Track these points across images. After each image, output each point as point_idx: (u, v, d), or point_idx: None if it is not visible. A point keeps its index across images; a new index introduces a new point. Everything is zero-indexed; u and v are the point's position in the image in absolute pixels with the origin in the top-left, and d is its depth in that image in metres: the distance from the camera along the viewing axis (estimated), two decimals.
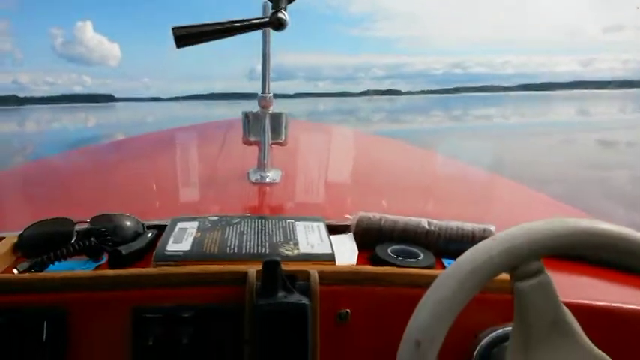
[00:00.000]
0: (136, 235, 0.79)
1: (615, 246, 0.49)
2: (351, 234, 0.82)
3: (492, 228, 0.79)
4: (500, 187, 1.54)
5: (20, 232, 0.76)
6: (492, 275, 0.47)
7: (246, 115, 1.15)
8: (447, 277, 0.47)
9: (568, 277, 0.78)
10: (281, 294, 0.60)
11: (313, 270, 0.64)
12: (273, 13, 0.78)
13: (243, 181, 1.15)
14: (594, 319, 0.58)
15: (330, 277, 0.64)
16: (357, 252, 0.76)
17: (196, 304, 0.62)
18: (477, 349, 0.64)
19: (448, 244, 0.78)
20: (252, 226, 0.79)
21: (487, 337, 0.64)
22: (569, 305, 0.51)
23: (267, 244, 0.73)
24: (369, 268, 0.68)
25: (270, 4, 0.80)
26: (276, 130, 1.15)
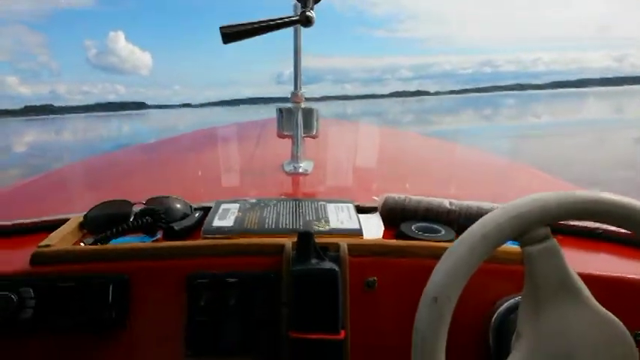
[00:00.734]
0: (185, 216, 0.88)
1: (617, 214, 0.53)
2: (377, 213, 0.89)
3: None
4: (516, 171, 1.59)
5: (85, 213, 0.86)
6: (502, 242, 0.53)
7: (280, 111, 1.24)
8: (461, 243, 0.53)
9: (586, 252, 0.83)
10: (314, 261, 0.67)
11: (343, 242, 0.72)
12: (302, 12, 0.87)
13: (278, 171, 1.24)
14: (604, 288, 0.61)
15: (358, 249, 0.72)
16: (383, 229, 0.84)
17: (240, 271, 0.71)
18: (494, 316, 0.69)
19: (468, 222, 0.82)
20: (288, 207, 0.87)
21: (504, 305, 0.69)
22: (583, 276, 0.55)
23: (301, 221, 0.81)
24: (394, 241, 0.75)
25: (299, 4, 0.89)
26: (308, 124, 1.23)
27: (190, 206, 0.91)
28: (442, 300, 0.52)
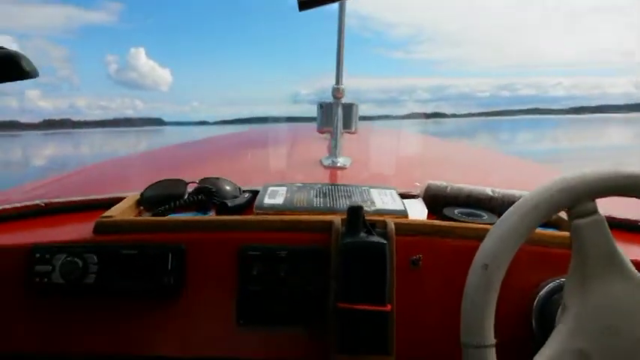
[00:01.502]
0: (234, 197, 0.92)
1: None
2: (420, 199, 0.91)
3: None
4: (550, 173, 1.61)
5: (142, 191, 0.91)
6: (552, 212, 0.55)
7: (320, 106, 1.28)
8: (512, 213, 0.55)
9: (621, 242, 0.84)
10: (363, 235, 0.70)
11: (390, 220, 0.74)
12: None
13: (317, 166, 1.28)
14: None
15: (404, 228, 0.74)
16: (426, 212, 0.86)
17: (290, 245, 0.74)
18: (537, 297, 0.71)
19: None
20: (334, 190, 0.91)
21: (547, 286, 0.71)
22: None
23: (347, 201, 0.84)
24: (439, 222, 0.77)
25: None
26: (347, 119, 1.26)
27: (239, 188, 0.96)
28: (492, 267, 0.54)
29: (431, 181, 0.92)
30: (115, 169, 1.68)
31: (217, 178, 0.94)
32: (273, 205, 0.83)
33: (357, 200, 0.85)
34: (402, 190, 0.94)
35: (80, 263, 0.72)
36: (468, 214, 0.84)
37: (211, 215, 0.87)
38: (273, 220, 0.76)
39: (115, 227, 0.76)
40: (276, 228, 0.76)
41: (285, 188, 0.92)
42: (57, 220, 0.92)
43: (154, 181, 0.92)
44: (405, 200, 0.87)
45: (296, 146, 1.86)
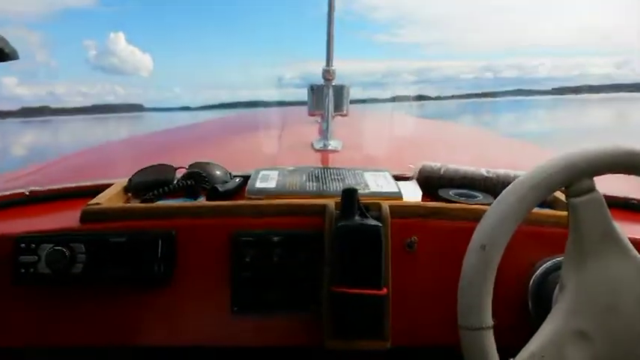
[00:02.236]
0: (224, 182, 0.90)
1: None
2: (414, 180, 0.90)
3: None
4: (545, 152, 1.62)
5: (129, 178, 0.88)
6: (550, 191, 0.54)
7: (311, 88, 1.25)
8: (509, 192, 0.54)
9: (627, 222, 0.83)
10: (358, 218, 0.69)
11: (384, 203, 0.73)
12: None
13: (308, 149, 1.26)
14: None
15: (398, 211, 0.73)
16: (420, 194, 0.85)
17: (284, 230, 0.73)
18: (534, 276, 0.70)
19: None
20: (326, 173, 0.89)
21: (543, 266, 0.71)
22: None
23: (340, 184, 0.83)
24: (434, 203, 0.76)
25: None
26: (338, 101, 1.24)
27: (230, 173, 0.94)
28: (490, 247, 0.53)
29: (425, 162, 0.91)
30: (102, 156, 1.64)
31: (207, 163, 0.92)
32: (266, 189, 0.81)
33: (350, 183, 0.84)
34: (396, 173, 0.93)
35: (67, 253, 0.70)
36: (463, 195, 0.83)
37: (202, 201, 0.85)
38: (265, 205, 0.75)
39: (103, 215, 0.74)
40: (269, 213, 0.74)
41: (276, 172, 0.90)
42: (42, 209, 0.89)
43: (141, 167, 0.90)
44: (399, 182, 0.86)
45: (286, 129, 1.84)
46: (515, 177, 0.85)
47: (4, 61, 0.54)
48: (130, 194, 0.88)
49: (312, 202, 0.75)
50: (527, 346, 0.55)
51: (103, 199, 0.79)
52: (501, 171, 0.87)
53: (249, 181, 0.84)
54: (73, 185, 0.95)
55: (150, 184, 0.86)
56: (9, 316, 0.74)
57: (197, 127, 2.47)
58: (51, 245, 0.70)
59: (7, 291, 0.72)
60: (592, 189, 0.55)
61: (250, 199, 0.79)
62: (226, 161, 0.97)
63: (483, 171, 0.87)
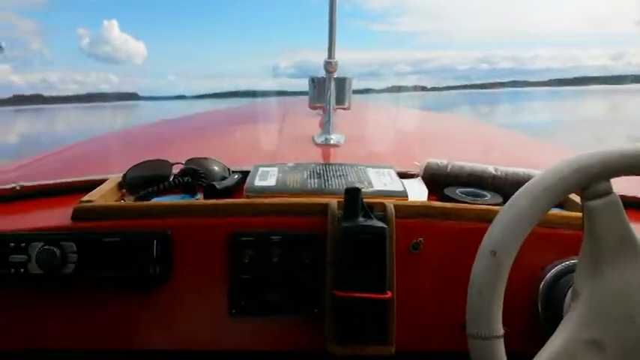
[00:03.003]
0: (223, 178, 0.87)
1: None
2: (419, 178, 0.87)
3: None
4: (555, 150, 1.59)
5: (124, 173, 0.85)
6: (564, 193, 0.51)
7: (312, 80, 1.22)
8: (522, 195, 0.51)
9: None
10: (362, 219, 0.66)
11: (389, 202, 0.70)
12: None
13: (309, 144, 1.23)
14: None
15: (403, 211, 0.70)
16: (426, 192, 0.82)
17: (284, 229, 0.70)
18: (544, 280, 0.68)
19: (515, 189, 0.79)
20: (328, 170, 0.86)
21: (553, 270, 0.68)
22: None
23: (343, 182, 0.80)
24: (440, 203, 0.73)
25: None
26: (340, 94, 1.21)
27: (228, 169, 0.90)
28: (501, 254, 0.50)
29: (430, 160, 0.88)
30: (96, 149, 1.59)
31: (205, 159, 0.89)
32: (265, 187, 0.78)
33: (353, 180, 0.81)
34: (401, 169, 0.90)
35: (58, 252, 0.67)
36: (470, 194, 0.80)
37: (199, 198, 0.82)
38: (265, 204, 0.72)
39: (95, 213, 0.71)
40: (268, 211, 0.71)
41: (276, 169, 0.87)
42: (32, 205, 0.86)
43: (137, 162, 0.86)
44: (403, 180, 0.83)
45: (286, 122, 1.79)
46: (524, 175, 0.82)
47: None
48: (124, 191, 0.85)
49: (314, 200, 0.72)
50: (539, 354, 0.52)
51: (96, 196, 0.75)
52: (510, 169, 0.84)
53: (248, 178, 0.81)
54: (65, 180, 0.91)
55: (145, 180, 0.83)
56: None
57: (194, 119, 2.42)
58: (41, 244, 0.67)
59: None
60: (609, 191, 0.52)
61: (249, 197, 0.76)
62: (225, 156, 0.94)
63: (491, 168, 0.84)
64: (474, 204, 0.75)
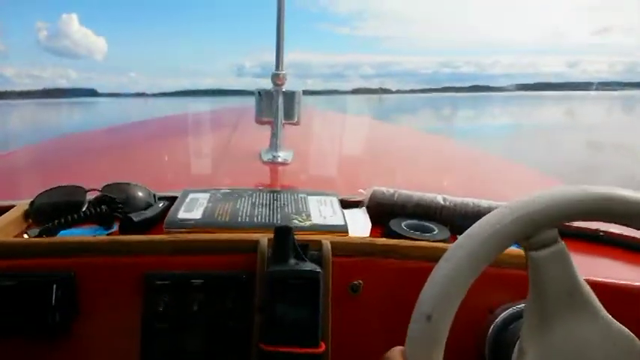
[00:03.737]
0: (147, 206, 0.78)
1: (635, 213, 0.46)
2: (364, 208, 0.80)
3: None
4: (509, 168, 1.55)
5: (31, 200, 0.75)
6: (505, 246, 0.46)
7: (259, 93, 1.13)
8: (458, 249, 0.45)
9: (587, 256, 0.77)
10: (293, 262, 0.59)
11: (326, 240, 0.63)
12: None
13: (255, 160, 1.14)
14: (614, 297, 0.54)
15: (342, 248, 0.63)
16: (370, 226, 0.75)
17: (207, 271, 0.62)
18: (492, 326, 0.62)
19: (464, 221, 0.75)
20: (265, 199, 0.78)
21: (503, 314, 0.62)
22: (588, 283, 0.48)
23: (279, 215, 0.72)
24: (382, 240, 0.67)
25: None
26: (289, 109, 1.13)
27: (154, 195, 0.81)
28: (437, 318, 0.44)
29: (376, 187, 0.81)
30: (8, 167, 1.42)
31: (127, 184, 0.79)
32: (187, 220, 0.69)
33: (290, 212, 0.74)
34: (345, 196, 0.83)
35: None
36: (417, 228, 0.74)
37: (115, 231, 0.72)
38: (186, 240, 0.63)
39: None
40: (190, 250, 0.63)
41: (207, 195, 0.78)
42: None
43: (51, 185, 0.77)
44: (347, 210, 0.77)
45: (235, 134, 1.69)
46: (473, 206, 0.77)
47: None
48: (30, 221, 0.75)
49: (242, 237, 0.64)
50: None
51: None
52: (458, 199, 0.79)
53: (170, 210, 0.72)
54: None
55: (55, 208, 0.73)
56: None
57: (129, 130, 2.24)
58: None
59: None
60: (555, 240, 0.47)
61: (170, 232, 0.68)
62: (156, 176, 0.85)
63: (440, 198, 0.79)
64: (420, 239, 0.69)
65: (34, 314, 0.59)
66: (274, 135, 1.13)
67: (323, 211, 0.75)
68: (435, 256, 0.62)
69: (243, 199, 0.77)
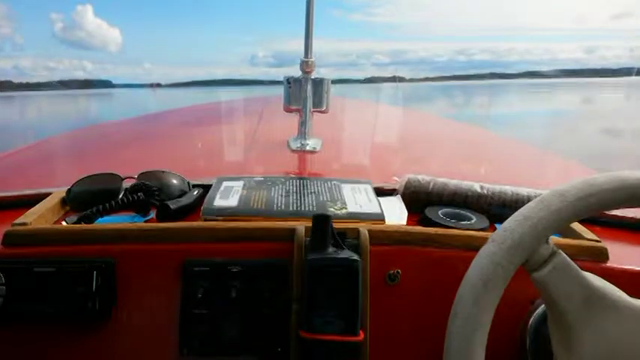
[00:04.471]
0: (182, 193, 0.78)
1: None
2: (399, 196, 0.79)
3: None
4: (540, 156, 1.53)
5: (69, 187, 0.75)
6: (507, 281, 0.45)
7: (287, 81, 1.12)
8: (463, 302, 0.45)
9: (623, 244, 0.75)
10: (331, 250, 0.58)
11: (363, 228, 0.62)
12: None
13: (283, 149, 1.14)
14: None
15: (380, 237, 0.63)
16: (406, 214, 0.74)
17: (244, 259, 0.61)
18: (533, 317, 0.61)
19: (502, 209, 0.74)
20: (299, 186, 0.78)
21: (544, 304, 0.60)
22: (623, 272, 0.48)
23: (314, 202, 0.72)
24: (420, 228, 0.65)
25: None
26: (317, 96, 1.12)
27: (188, 183, 0.81)
28: None
29: (411, 176, 0.80)
30: (41, 156, 1.44)
31: (162, 172, 0.79)
32: (224, 208, 0.69)
33: (325, 200, 0.73)
34: (378, 184, 0.82)
35: None
36: (454, 216, 0.73)
37: (152, 218, 0.73)
38: (224, 228, 0.63)
39: (29, 238, 0.62)
40: (228, 237, 0.63)
41: (241, 183, 0.78)
42: None
43: (86, 173, 0.77)
44: (381, 198, 0.76)
45: (261, 123, 1.68)
46: (512, 195, 0.76)
47: None
48: (68, 208, 0.75)
49: (280, 225, 0.64)
50: None
51: (34, 216, 0.66)
52: (497, 187, 0.77)
53: (206, 197, 0.72)
54: (2, 195, 0.81)
55: (93, 195, 0.74)
56: None
57: (156, 119, 2.25)
58: None
59: None
60: (552, 254, 0.46)
61: (206, 219, 0.68)
62: (187, 164, 0.85)
63: (477, 186, 0.77)
64: (458, 229, 0.68)
65: (74, 301, 0.60)
66: (302, 123, 1.12)
67: (358, 199, 0.74)
68: (474, 245, 0.61)
69: (276, 187, 0.77)
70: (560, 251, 0.46)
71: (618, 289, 0.48)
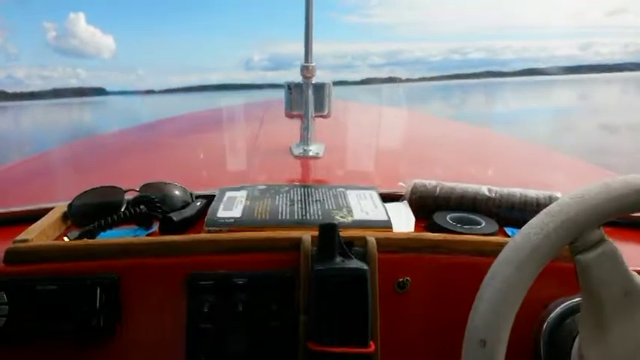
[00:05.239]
0: (185, 205, 0.77)
1: None
2: (405, 202, 0.78)
3: (559, 194, 0.74)
4: (549, 157, 1.51)
5: (70, 202, 0.74)
6: (552, 255, 0.43)
7: (288, 86, 1.12)
8: (503, 264, 0.43)
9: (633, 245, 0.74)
10: (339, 259, 0.57)
11: (370, 236, 0.61)
12: None
13: (286, 155, 1.13)
14: None
15: (388, 244, 0.61)
16: (413, 220, 0.73)
17: (250, 270, 0.60)
18: (547, 321, 0.60)
19: (511, 212, 0.73)
20: (303, 194, 0.76)
21: (558, 309, 0.60)
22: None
23: (319, 211, 0.71)
24: (428, 235, 0.64)
25: None
26: (319, 101, 1.11)
27: (191, 194, 0.80)
28: (492, 342, 0.41)
29: (417, 180, 0.79)
30: (40, 169, 1.43)
31: (164, 183, 0.78)
32: (229, 219, 0.68)
33: (331, 207, 0.72)
34: (385, 190, 0.81)
35: None
36: (463, 221, 0.72)
37: (155, 231, 0.71)
38: (229, 239, 0.62)
39: (31, 255, 0.61)
40: (232, 249, 0.61)
41: (245, 193, 0.77)
42: None
43: (87, 186, 0.76)
44: (388, 204, 0.74)
45: (262, 129, 1.68)
46: (520, 197, 0.74)
47: None
48: (69, 222, 0.74)
49: (285, 235, 0.63)
50: None
51: (36, 232, 0.65)
52: (505, 190, 0.75)
53: (209, 209, 0.71)
54: (3, 211, 0.80)
55: (95, 209, 0.73)
56: None
57: (155, 128, 2.24)
58: None
59: None
60: (602, 240, 0.44)
61: (210, 231, 0.66)
62: (189, 175, 0.84)
63: (485, 189, 0.76)
64: (467, 234, 0.67)
65: (78, 319, 0.58)
66: (305, 128, 1.11)
67: (364, 205, 0.73)
68: (484, 250, 0.60)
69: (280, 195, 0.76)
70: (610, 240, 0.45)
71: None
